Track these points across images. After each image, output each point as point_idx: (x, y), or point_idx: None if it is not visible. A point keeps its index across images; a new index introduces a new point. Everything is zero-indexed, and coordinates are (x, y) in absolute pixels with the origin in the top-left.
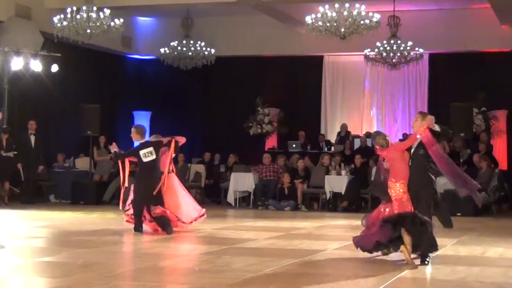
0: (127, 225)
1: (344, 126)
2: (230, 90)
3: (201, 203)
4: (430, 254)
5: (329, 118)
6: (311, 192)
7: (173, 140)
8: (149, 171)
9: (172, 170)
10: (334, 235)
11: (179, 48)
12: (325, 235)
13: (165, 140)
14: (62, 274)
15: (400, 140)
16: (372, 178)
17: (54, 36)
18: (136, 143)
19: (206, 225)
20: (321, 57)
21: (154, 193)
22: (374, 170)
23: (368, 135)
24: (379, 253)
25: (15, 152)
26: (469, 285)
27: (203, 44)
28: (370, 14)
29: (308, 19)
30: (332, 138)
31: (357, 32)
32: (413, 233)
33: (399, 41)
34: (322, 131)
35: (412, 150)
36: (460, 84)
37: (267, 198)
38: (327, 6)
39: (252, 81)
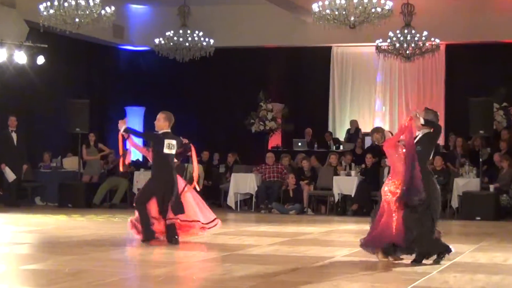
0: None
1: (354, 123)
2: (230, 84)
3: None
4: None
5: (337, 114)
6: (318, 195)
7: (192, 145)
8: (168, 166)
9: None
10: (343, 241)
11: (175, 38)
12: (334, 241)
13: (184, 140)
14: (48, 283)
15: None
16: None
17: (40, 26)
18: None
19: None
20: (329, 48)
21: (181, 198)
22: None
23: None
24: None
25: None
26: None
27: (201, 34)
28: (382, 1)
29: (315, 7)
30: (341, 135)
31: (368, 21)
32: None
33: (413, 31)
34: (330, 128)
35: None
36: (479, 77)
37: (271, 201)
38: None
39: (254, 74)
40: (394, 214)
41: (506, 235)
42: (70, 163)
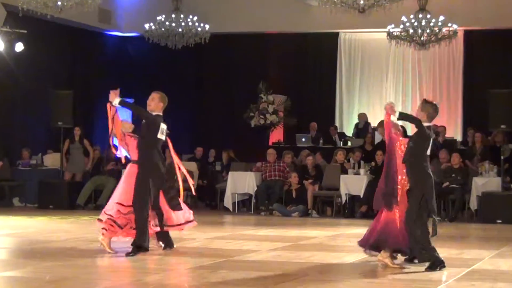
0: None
1: (362, 116)
2: (228, 74)
3: (193, 207)
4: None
5: (345, 106)
6: (324, 195)
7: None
8: (160, 154)
9: None
10: (351, 246)
11: (167, 23)
12: (340, 246)
13: None
14: None
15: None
16: None
17: (18, 9)
18: None
19: (199, 234)
20: (336, 35)
21: (180, 196)
22: None
23: None
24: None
25: None
26: None
27: (195, 19)
28: None
29: None
30: (349, 130)
31: (378, 5)
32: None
33: (428, 16)
34: (337, 122)
35: None
36: (501, 67)
37: (272, 202)
38: None
39: (254, 63)
40: (396, 211)
41: None
42: (52, 160)
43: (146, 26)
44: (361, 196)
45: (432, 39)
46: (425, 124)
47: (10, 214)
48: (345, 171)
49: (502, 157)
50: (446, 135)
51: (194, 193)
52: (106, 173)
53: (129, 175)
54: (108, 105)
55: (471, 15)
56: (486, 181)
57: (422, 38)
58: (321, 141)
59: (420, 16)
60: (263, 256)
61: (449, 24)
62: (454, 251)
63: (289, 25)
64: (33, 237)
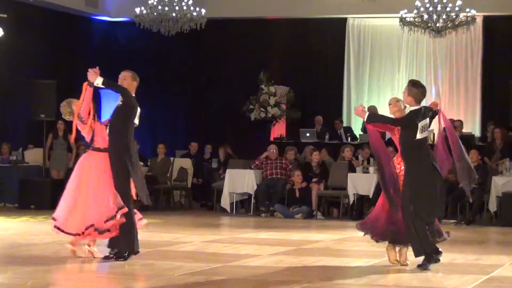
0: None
1: (372, 110)
2: (225, 63)
3: (187, 208)
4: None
5: (353, 98)
6: (330, 195)
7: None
8: (132, 142)
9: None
10: (359, 250)
11: (159, 8)
12: (348, 250)
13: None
14: None
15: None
16: None
17: None
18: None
19: (194, 237)
20: (344, 20)
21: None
22: None
23: None
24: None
25: None
26: None
27: (190, 2)
28: None
29: None
30: (357, 125)
31: None
32: None
33: (444, 0)
34: (345, 116)
35: None
36: None
37: (273, 203)
38: None
39: (254, 51)
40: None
41: None
42: (33, 156)
43: (137, 10)
44: (370, 197)
45: (449, 25)
46: (413, 107)
47: None
48: (353, 169)
49: None
50: (463, 130)
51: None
52: None
53: (98, 164)
54: (85, 85)
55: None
56: (506, 181)
57: (437, 25)
58: (327, 136)
59: (436, 0)
60: (263, 262)
61: (467, 9)
62: (471, 257)
63: (292, 9)
64: (13, 240)
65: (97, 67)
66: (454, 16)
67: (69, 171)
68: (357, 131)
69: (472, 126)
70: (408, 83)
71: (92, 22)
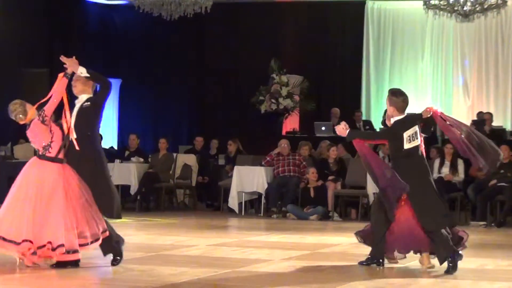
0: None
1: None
2: (233, 50)
3: (192, 208)
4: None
5: (373, 89)
6: (347, 195)
7: None
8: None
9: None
10: None
11: None
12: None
13: None
14: None
15: (474, 121)
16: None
17: None
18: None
19: (199, 240)
20: (363, 4)
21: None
22: (437, 162)
23: None
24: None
25: None
26: None
27: None
28: None
29: None
30: (377, 117)
31: None
32: None
33: None
34: (363, 108)
35: None
36: None
37: (285, 203)
38: None
39: (265, 37)
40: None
41: None
42: (24, 151)
43: None
44: None
45: (477, 9)
46: (397, 117)
47: None
48: None
49: None
50: (493, 124)
51: None
52: None
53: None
54: (60, 76)
55: None
56: None
57: (465, 8)
58: None
59: None
60: (275, 267)
61: None
62: (502, 262)
63: None
64: None
65: (74, 57)
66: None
67: None
68: (377, 125)
69: (503, 119)
70: (388, 93)
71: (88, 5)
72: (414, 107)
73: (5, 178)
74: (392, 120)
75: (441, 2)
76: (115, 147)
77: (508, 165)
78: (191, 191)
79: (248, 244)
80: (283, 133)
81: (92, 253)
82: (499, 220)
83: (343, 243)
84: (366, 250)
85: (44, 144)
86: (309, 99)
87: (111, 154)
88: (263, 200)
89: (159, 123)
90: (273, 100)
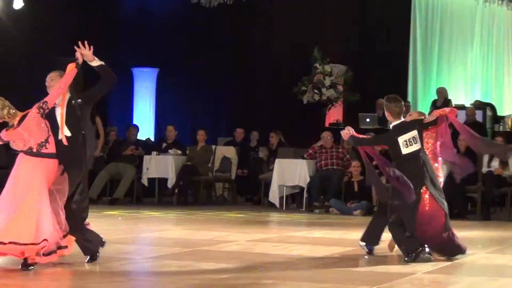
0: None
1: (442, 92)
2: (274, 38)
3: (231, 202)
4: None
5: (420, 79)
6: None
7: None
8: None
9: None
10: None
11: None
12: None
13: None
14: None
15: None
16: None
17: None
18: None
19: (239, 236)
20: None
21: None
22: (486, 156)
23: (478, 105)
24: None
25: None
26: None
27: None
28: None
29: None
30: (425, 108)
31: None
32: None
33: None
34: (409, 98)
35: None
36: None
37: (328, 197)
38: None
39: (307, 25)
40: None
41: None
42: None
43: None
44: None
45: None
46: (395, 122)
47: None
48: None
49: None
50: None
51: None
52: (124, 160)
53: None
54: (71, 66)
55: None
56: None
57: None
58: None
59: None
60: (318, 263)
61: None
62: None
63: None
64: None
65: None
66: None
67: (99, 160)
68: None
69: None
70: (384, 99)
71: None
72: (462, 99)
73: None
74: (390, 126)
75: None
76: (152, 139)
77: None
78: (230, 184)
79: (289, 240)
80: (326, 124)
81: (129, 248)
82: None
83: (387, 239)
84: None
85: (41, 141)
86: (353, 90)
87: (148, 146)
88: (305, 194)
89: (197, 114)
90: (315, 91)
